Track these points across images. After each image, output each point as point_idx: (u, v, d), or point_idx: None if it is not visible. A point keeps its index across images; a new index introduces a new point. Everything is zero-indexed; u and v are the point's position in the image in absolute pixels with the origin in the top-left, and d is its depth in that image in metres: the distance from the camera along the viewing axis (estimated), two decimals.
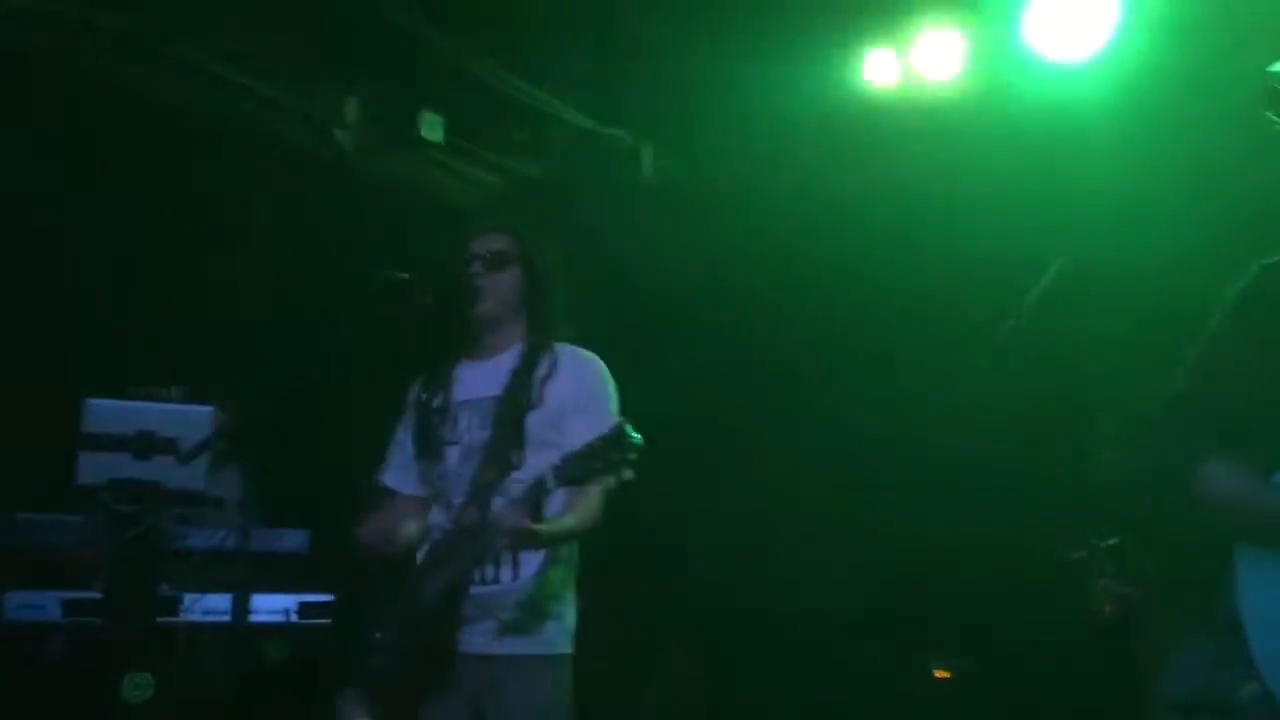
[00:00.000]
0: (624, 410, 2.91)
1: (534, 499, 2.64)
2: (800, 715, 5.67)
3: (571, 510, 2.80)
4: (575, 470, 2.54)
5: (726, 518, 5.97)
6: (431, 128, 4.85)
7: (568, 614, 2.95)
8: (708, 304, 5.86)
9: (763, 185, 5.62)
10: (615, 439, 2.49)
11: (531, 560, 2.87)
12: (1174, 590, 4.38)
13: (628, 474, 2.51)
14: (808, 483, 5.86)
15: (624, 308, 5.35)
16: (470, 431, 2.97)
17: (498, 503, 2.77)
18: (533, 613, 2.86)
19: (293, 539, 4.27)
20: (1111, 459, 4.49)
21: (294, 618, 4.10)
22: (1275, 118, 2.00)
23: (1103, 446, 4.58)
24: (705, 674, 6.00)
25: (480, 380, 3.02)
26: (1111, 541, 4.46)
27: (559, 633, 2.91)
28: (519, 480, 2.83)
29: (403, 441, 3.11)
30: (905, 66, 5.02)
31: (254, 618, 4.03)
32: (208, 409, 3.96)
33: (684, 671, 6.02)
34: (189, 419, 3.86)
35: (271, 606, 4.10)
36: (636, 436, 2.50)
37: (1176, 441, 2.02)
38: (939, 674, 5.76)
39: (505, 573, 2.87)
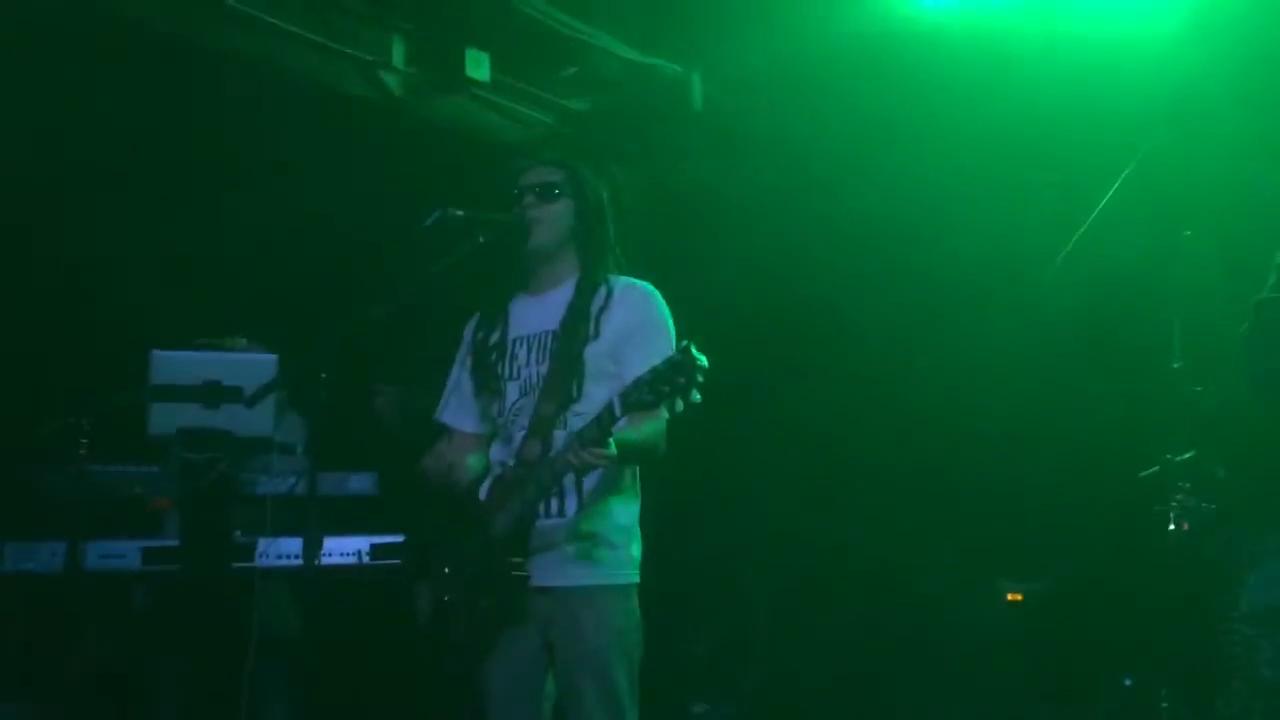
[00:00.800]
0: (676, 333, 2.89)
1: (602, 427, 2.63)
2: (874, 641, 5.67)
3: (635, 433, 2.78)
4: (643, 395, 2.52)
5: (791, 450, 5.95)
6: (477, 66, 4.80)
7: (632, 543, 2.95)
8: (760, 232, 5.80)
9: (812, 113, 5.52)
10: (682, 362, 2.47)
11: (594, 491, 2.88)
12: (1253, 505, 4.29)
13: (695, 397, 2.50)
14: (877, 408, 5.81)
15: (678, 239, 5.32)
16: (529, 366, 2.97)
17: (559, 436, 2.77)
18: (597, 543, 2.87)
19: (361, 481, 4.31)
20: (1186, 372, 4.39)
21: (366, 559, 4.14)
22: None
23: (1176, 360, 4.48)
24: (776, 603, 6.02)
25: (536, 315, 3.01)
26: (1186, 456, 4.37)
27: (624, 562, 2.91)
28: (579, 413, 2.84)
29: (460, 379, 3.12)
30: None
31: (327, 560, 4.07)
32: (273, 357, 3.99)
33: (755, 601, 6.04)
34: (254, 367, 3.88)
35: (344, 549, 4.15)
36: (703, 359, 2.48)
37: (1274, 350, 1.94)
38: (1012, 597, 5.72)
39: (570, 504, 2.89)
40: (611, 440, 2.64)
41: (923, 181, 5.49)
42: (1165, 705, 4.31)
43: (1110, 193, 4.33)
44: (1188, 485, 4.37)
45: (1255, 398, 2.01)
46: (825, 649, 5.77)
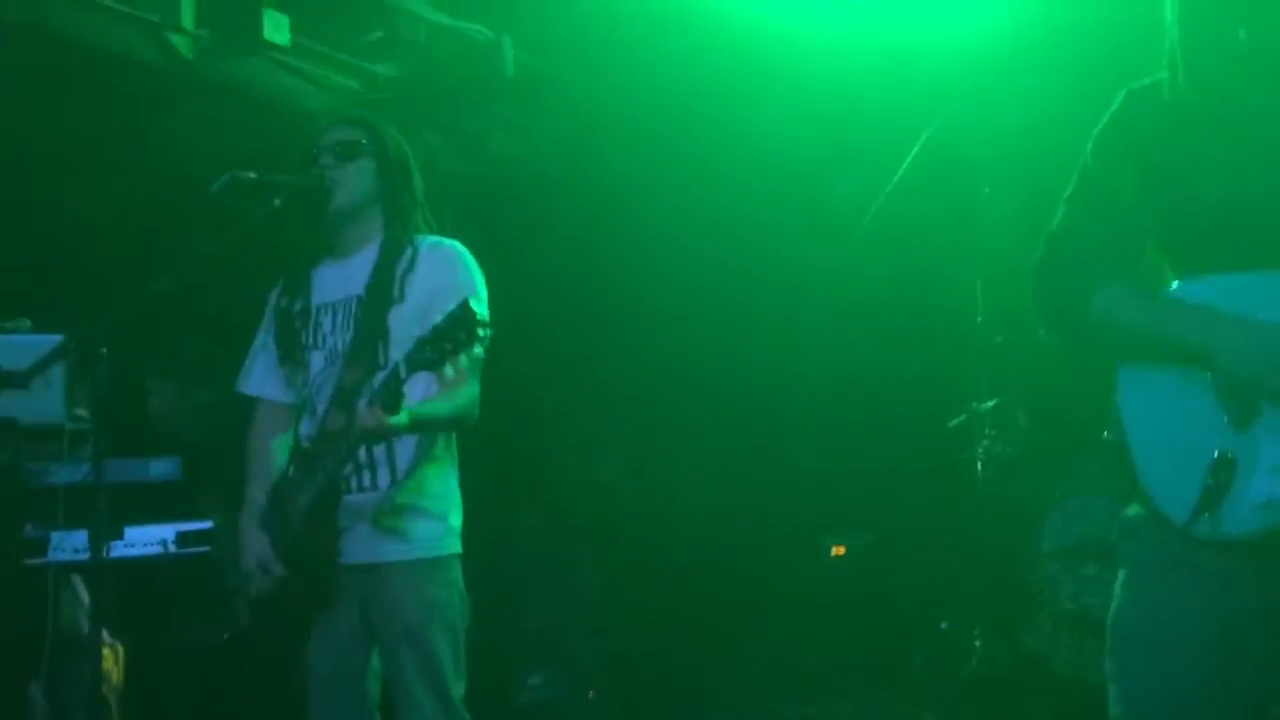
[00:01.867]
0: (493, 305, 2.83)
1: (390, 390, 2.55)
2: (702, 604, 5.73)
3: (439, 399, 2.72)
4: (426, 353, 2.47)
5: (613, 416, 5.95)
6: (276, 28, 4.57)
7: (451, 513, 2.88)
8: (573, 197, 5.77)
9: (624, 77, 5.50)
10: (461, 316, 2.43)
11: (406, 461, 2.79)
12: (1053, 448, 4.51)
13: (478, 351, 2.47)
14: (690, 372, 5.86)
15: (490, 203, 5.23)
16: (333, 333, 2.87)
17: (361, 405, 2.68)
18: (412, 515, 2.79)
19: (162, 467, 4.09)
20: (987, 325, 4.57)
21: (172, 548, 3.94)
22: None
23: (979, 313, 4.66)
24: (605, 571, 6.03)
25: (340, 280, 2.90)
26: (990, 404, 4.56)
27: (442, 533, 2.84)
28: None
29: (266, 347, 2.98)
30: None
31: (129, 551, 3.86)
32: (57, 338, 3.73)
33: (583, 569, 6.03)
34: (38, 349, 3.61)
35: (147, 538, 3.94)
36: (483, 312, 2.46)
37: (1062, 278, 2.00)
38: (836, 550, 5.88)
39: (382, 476, 2.80)
40: (404, 408, 2.57)
41: (733, 147, 5.55)
42: (978, 644, 4.50)
43: (910, 157, 4.45)
44: (993, 432, 4.57)
45: (1047, 330, 2.06)
46: (657, 613, 5.81)
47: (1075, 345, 2.10)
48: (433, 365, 2.49)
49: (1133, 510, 1.97)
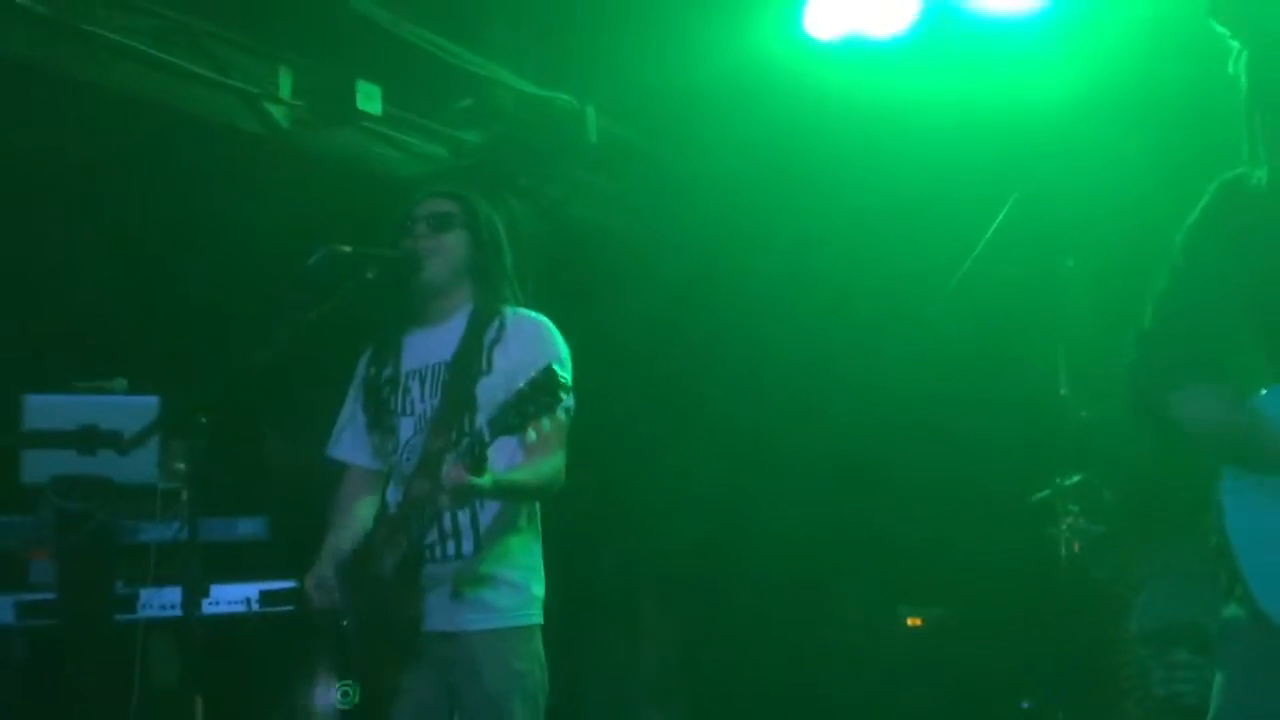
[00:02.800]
0: (577, 370, 2.86)
1: (473, 453, 2.58)
2: (778, 670, 5.68)
3: (524, 467, 2.75)
4: (509, 417, 2.51)
5: (696, 480, 5.95)
6: (368, 98, 4.72)
7: (534, 583, 2.90)
8: (655, 262, 5.82)
9: (705, 142, 5.57)
10: (544, 381, 2.47)
11: (490, 531, 2.82)
12: (1142, 526, 4.41)
13: (561, 415, 2.52)
14: (772, 438, 5.85)
15: (573, 268, 5.30)
16: (422, 401, 2.92)
17: (446, 464, 2.71)
18: (495, 584, 2.82)
19: (249, 526, 4.19)
20: (1072, 398, 4.50)
21: (255, 606, 4.02)
22: (1222, 27, 1.95)
23: (1062, 386, 4.60)
24: (682, 635, 6.00)
25: (429, 348, 2.95)
26: (1075, 480, 4.48)
27: (525, 602, 2.86)
28: None
29: (354, 414, 3.05)
30: (849, 19, 4.95)
31: (214, 608, 3.95)
32: (153, 399, 3.86)
33: (662, 634, 6.01)
34: (134, 410, 3.74)
35: (232, 596, 4.02)
36: (566, 377, 2.51)
37: (1152, 376, 1.98)
38: (912, 622, 5.79)
39: (466, 544, 2.83)
40: (488, 473, 2.60)
41: (817, 213, 5.57)
42: None
43: (994, 225, 4.43)
44: (1077, 509, 4.48)
45: (1142, 432, 2.04)
46: (730, 679, 5.77)
47: (1171, 448, 2.07)
48: (515, 429, 2.53)
49: (1232, 611, 1.93)
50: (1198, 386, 1.94)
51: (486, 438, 2.57)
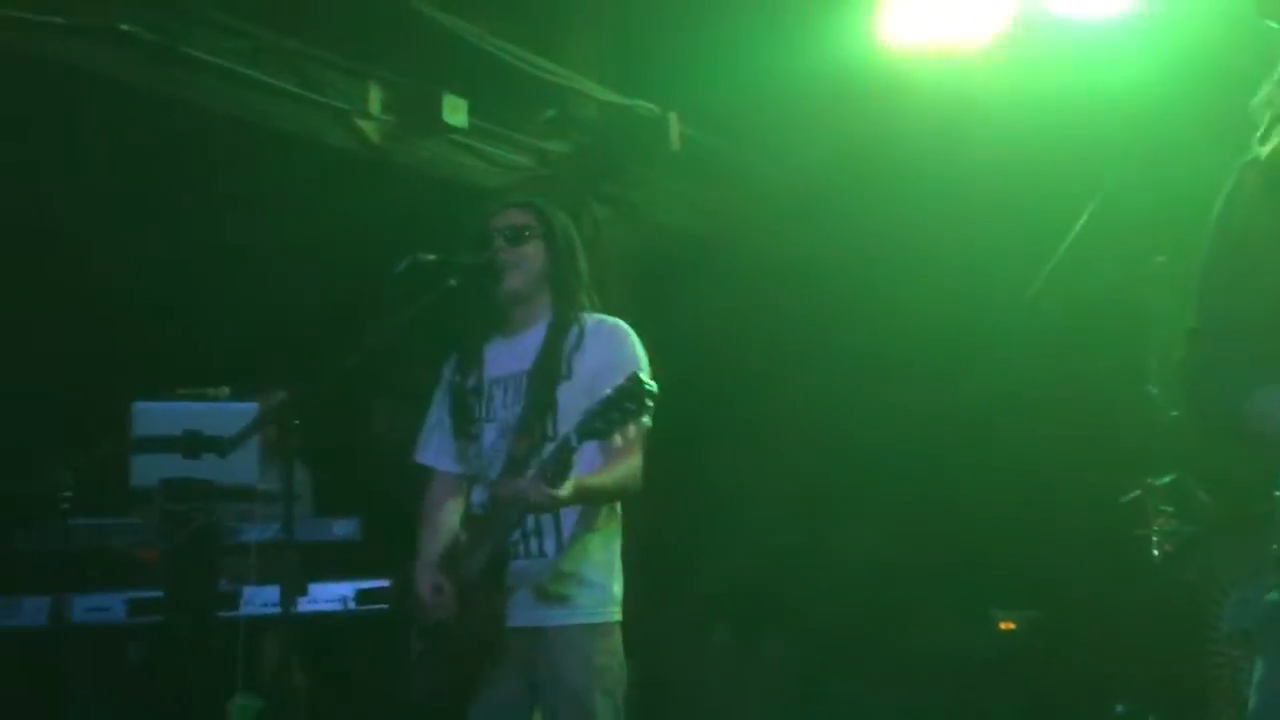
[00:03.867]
0: (656, 372, 2.92)
1: (560, 459, 2.66)
2: (870, 673, 5.67)
3: (604, 471, 2.82)
4: (595, 423, 2.58)
5: (783, 487, 5.97)
6: (454, 111, 4.85)
7: (612, 582, 2.96)
8: (736, 266, 5.86)
9: (785, 147, 5.59)
10: (630, 388, 2.53)
11: (572, 531, 2.90)
12: (1234, 526, 4.31)
13: (646, 421, 2.55)
14: (861, 442, 5.84)
15: (656, 272, 5.37)
16: (505, 408, 2.99)
17: (528, 478, 2.79)
18: (576, 582, 2.88)
19: (344, 527, 4.31)
20: (1162, 397, 4.43)
21: (351, 605, 4.14)
22: (1274, 24, 1.92)
23: (1154, 385, 4.52)
24: (770, 639, 6.02)
25: (511, 356, 3.03)
26: (1167, 480, 4.40)
27: (605, 600, 2.93)
28: None
29: (440, 420, 3.14)
30: (927, 25, 4.94)
31: (312, 606, 4.07)
32: (253, 405, 4.00)
33: (749, 637, 6.03)
34: (235, 416, 3.88)
35: (329, 595, 4.15)
36: (651, 385, 2.55)
37: (1210, 379, 1.90)
38: (1005, 625, 5.73)
39: (549, 544, 2.90)
40: (570, 479, 2.67)
41: (898, 216, 5.56)
42: None
43: (1079, 223, 4.37)
44: (1170, 509, 4.41)
45: (1202, 428, 1.98)
46: (825, 680, 5.78)
47: (1236, 453, 1.99)
48: (602, 435, 2.59)
49: (1276, 596, 1.86)
50: (1262, 390, 1.85)
51: (574, 443, 2.65)
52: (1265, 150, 1.93)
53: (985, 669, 5.54)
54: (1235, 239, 1.91)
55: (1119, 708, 4.63)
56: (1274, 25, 1.89)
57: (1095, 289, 4.82)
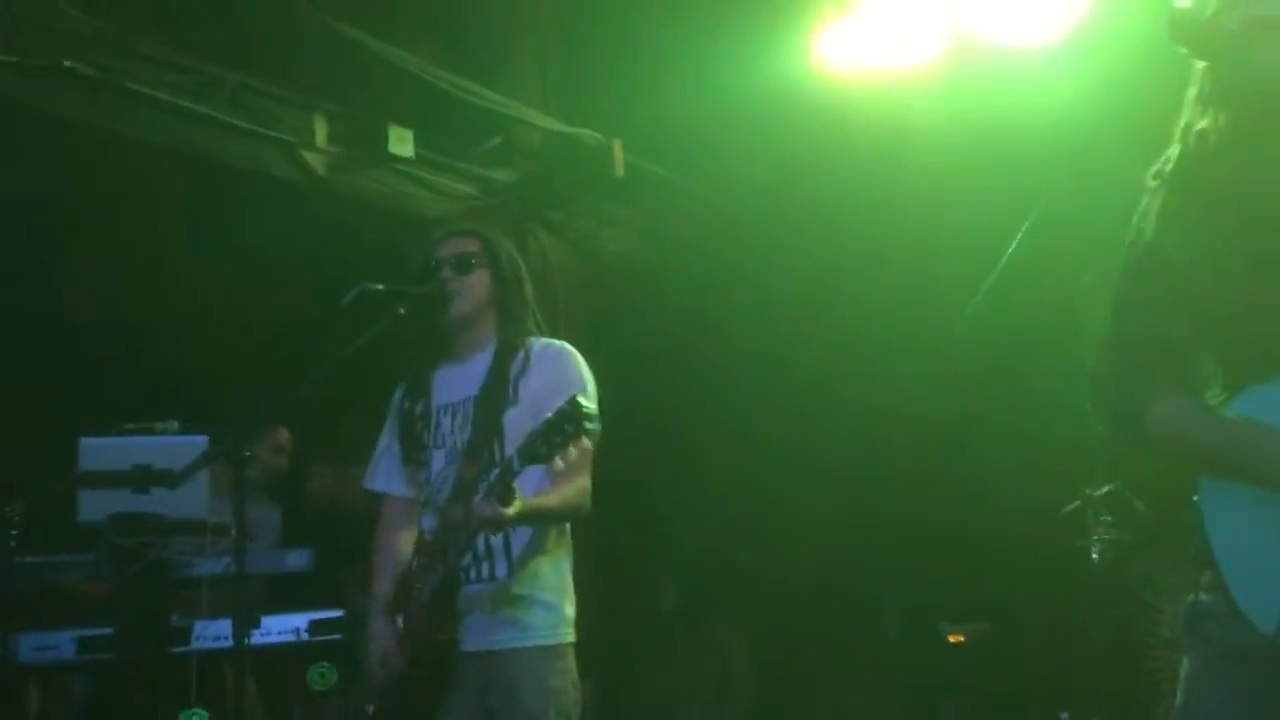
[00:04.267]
0: (605, 395, 2.97)
1: (504, 482, 2.70)
2: (820, 686, 5.73)
3: (552, 492, 2.87)
4: (536, 447, 2.61)
5: (729, 508, 6.03)
6: (400, 142, 4.90)
7: (565, 603, 3.00)
8: (680, 290, 5.94)
9: (730, 171, 5.69)
10: (569, 411, 2.57)
11: (522, 554, 2.93)
12: (1170, 534, 4.43)
13: (587, 444, 2.60)
14: (805, 463, 5.92)
15: (600, 298, 5.42)
16: (453, 433, 3.03)
17: (477, 497, 2.83)
18: (528, 604, 2.92)
19: (297, 558, 4.32)
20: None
21: (305, 635, 4.14)
22: (1183, 49, 2.02)
23: (1087, 399, 4.64)
24: (718, 650, 6.06)
25: (458, 382, 3.07)
26: (1105, 490, 4.52)
27: (557, 621, 2.96)
28: None
29: (390, 447, 3.17)
30: (863, 50, 5.05)
31: (265, 638, 4.07)
32: (202, 439, 4.00)
33: (699, 647, 6.07)
34: (184, 450, 3.88)
35: (282, 627, 4.15)
36: (590, 406, 2.58)
37: (1119, 388, 2.00)
38: (954, 638, 5.82)
39: (500, 567, 2.94)
40: (516, 500, 2.71)
41: (837, 236, 5.66)
42: None
43: (1015, 243, 4.49)
44: (1109, 519, 4.52)
45: (1110, 435, 2.07)
46: (777, 692, 5.83)
47: (1141, 457, 2.09)
48: (543, 458, 2.63)
49: (1206, 598, 1.95)
50: (1165, 399, 1.95)
51: (516, 467, 2.69)
52: (1166, 170, 2.03)
53: (935, 681, 5.62)
54: (1142, 256, 2.01)
55: (1064, 715, 4.72)
56: (1184, 51, 2.00)
57: (1032, 306, 4.94)
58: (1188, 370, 1.99)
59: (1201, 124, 2.00)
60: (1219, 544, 1.92)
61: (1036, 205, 4.53)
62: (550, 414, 2.61)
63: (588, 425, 2.57)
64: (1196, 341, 1.99)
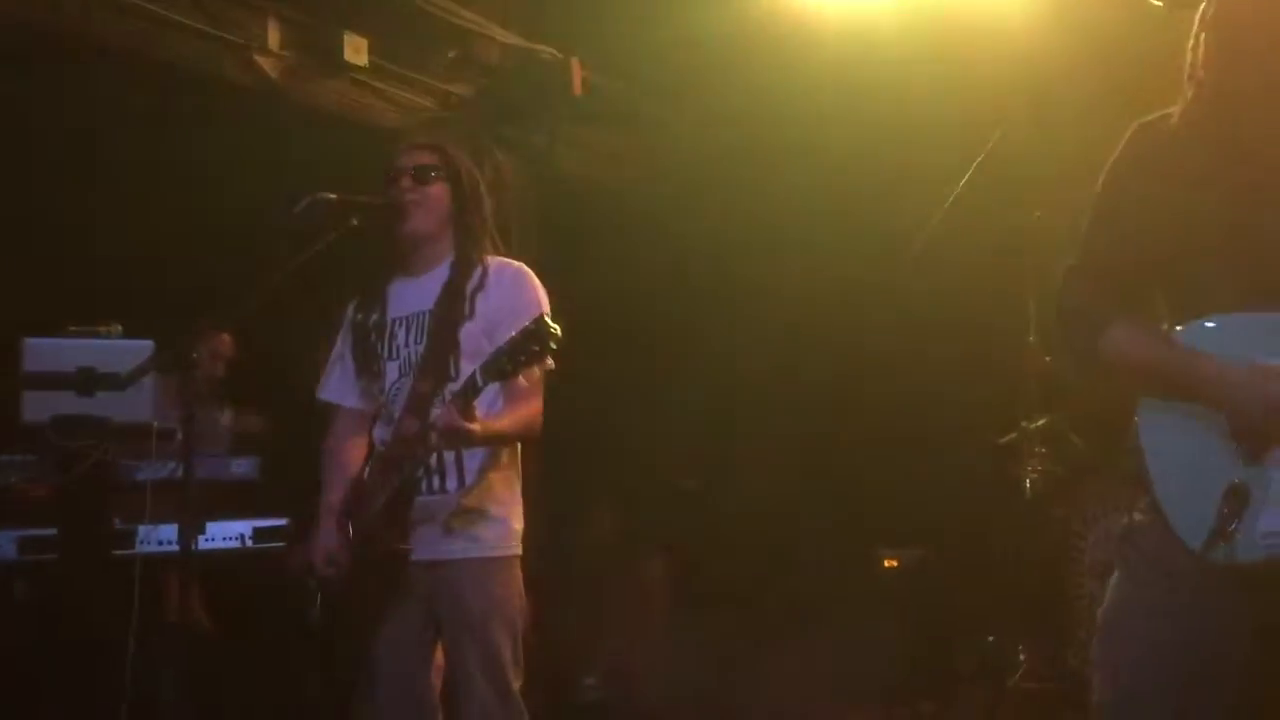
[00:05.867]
0: (559, 314, 2.99)
1: (466, 398, 2.72)
2: (757, 611, 5.85)
3: (507, 413, 2.89)
4: (501, 364, 2.63)
5: (673, 429, 6.09)
6: (356, 51, 4.81)
7: (513, 517, 3.05)
8: (638, 212, 5.93)
9: (687, 96, 5.66)
10: (535, 330, 2.59)
11: (474, 467, 2.97)
12: (1102, 467, 4.58)
13: (550, 363, 2.62)
14: (743, 378, 5.99)
15: (557, 217, 5.41)
16: (407, 346, 3.04)
17: (435, 412, 2.85)
18: (478, 517, 2.96)
19: (242, 466, 4.31)
20: (1039, 345, 4.65)
21: (249, 543, 4.16)
22: (1158, 2, 2.08)
23: (1033, 333, 4.74)
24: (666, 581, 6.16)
25: (414, 295, 3.07)
26: (1041, 423, 4.64)
27: (505, 535, 3.01)
28: (455, 391, 2.91)
29: (342, 358, 3.17)
30: None
31: (210, 544, 4.08)
32: (148, 343, 3.96)
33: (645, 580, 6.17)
34: (130, 353, 3.84)
35: (227, 533, 4.16)
36: (555, 327, 2.60)
37: (1079, 314, 2.08)
38: (888, 563, 5.96)
39: (451, 481, 2.97)
40: (474, 425, 2.74)
41: (794, 164, 5.67)
42: (1023, 659, 4.58)
43: (965, 178, 4.54)
44: (1043, 450, 4.65)
45: (1069, 359, 2.17)
46: (710, 617, 5.94)
47: (1094, 379, 2.20)
48: (507, 375, 2.66)
49: (1140, 517, 2.06)
50: (1120, 323, 2.04)
51: (480, 383, 2.71)
52: (1149, 119, 2.10)
53: (869, 604, 5.76)
54: (1114, 191, 2.09)
55: (990, 639, 4.89)
56: (1157, 3, 2.05)
57: (979, 240, 5.01)
58: (1145, 301, 2.09)
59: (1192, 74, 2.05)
60: (1154, 465, 2.01)
61: (993, 136, 4.58)
62: (516, 333, 2.62)
63: (553, 345, 2.59)
64: (1154, 276, 2.09)
